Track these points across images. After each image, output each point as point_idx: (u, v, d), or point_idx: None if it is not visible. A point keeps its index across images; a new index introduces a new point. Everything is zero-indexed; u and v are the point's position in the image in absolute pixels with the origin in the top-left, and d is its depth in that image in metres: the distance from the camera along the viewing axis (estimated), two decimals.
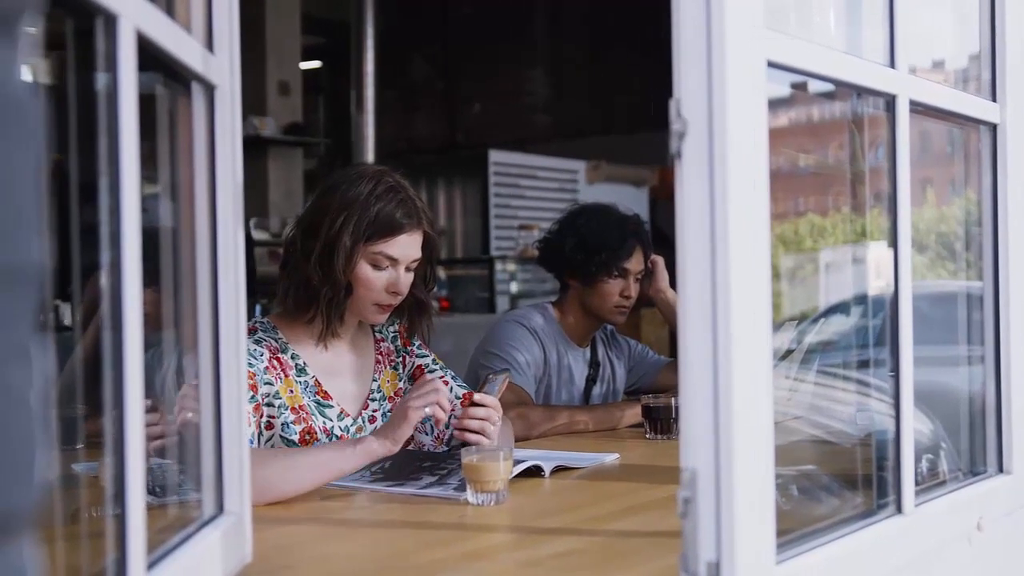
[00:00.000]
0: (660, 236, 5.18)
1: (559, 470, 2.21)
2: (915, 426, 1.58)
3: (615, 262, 3.01)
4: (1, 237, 0.55)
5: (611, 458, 2.38)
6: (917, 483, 1.57)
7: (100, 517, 1.47)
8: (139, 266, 1.04)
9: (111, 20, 1.01)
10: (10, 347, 0.56)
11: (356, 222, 2.18)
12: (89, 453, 1.39)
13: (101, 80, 1.04)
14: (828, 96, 1.75)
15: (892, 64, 1.54)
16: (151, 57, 1.14)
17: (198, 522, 1.34)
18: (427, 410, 2.00)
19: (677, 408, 2.67)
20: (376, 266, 2.22)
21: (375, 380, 2.37)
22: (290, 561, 1.60)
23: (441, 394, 2.03)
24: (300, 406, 2.21)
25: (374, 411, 2.34)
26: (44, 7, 0.62)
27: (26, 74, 0.58)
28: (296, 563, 1.61)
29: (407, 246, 2.24)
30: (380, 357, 2.41)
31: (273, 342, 2.23)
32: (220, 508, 1.39)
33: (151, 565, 1.12)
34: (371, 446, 1.99)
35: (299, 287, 2.23)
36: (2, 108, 0.55)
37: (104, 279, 1.04)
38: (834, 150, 2.10)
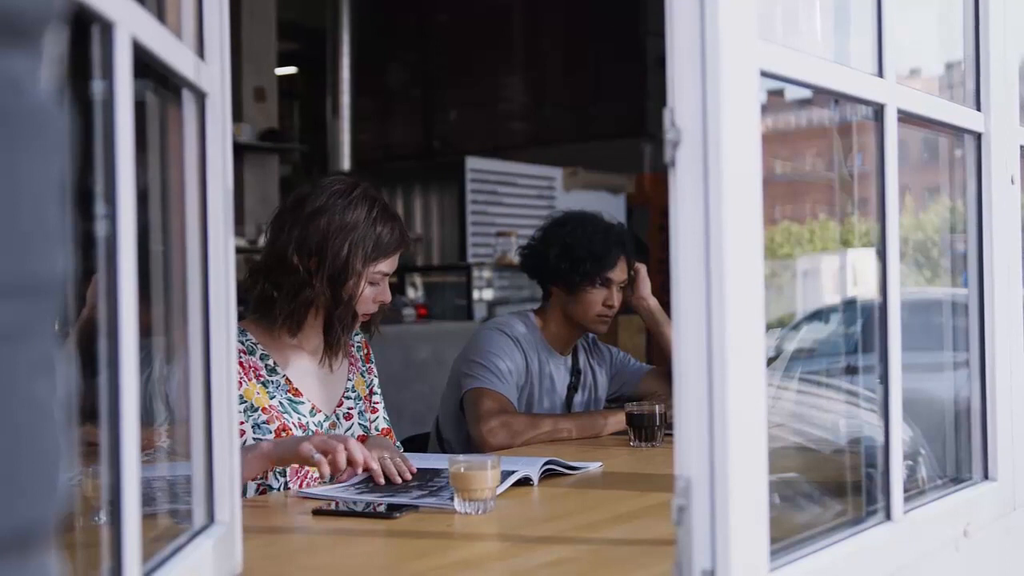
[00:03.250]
0: (638, 243, 5.19)
1: (547, 476, 2.21)
2: None
3: (599, 272, 3.01)
4: (28, 248, 0.55)
5: (595, 466, 2.38)
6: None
7: (87, 527, 1.46)
8: (134, 274, 1.03)
9: (107, 27, 1.00)
10: (35, 358, 0.56)
11: (363, 247, 2.29)
12: (76, 463, 1.38)
13: (96, 87, 1.03)
14: (804, 103, 1.76)
15: (880, 73, 1.54)
16: (143, 64, 1.13)
17: (189, 532, 1.33)
18: (316, 456, 1.99)
19: (661, 415, 2.69)
20: (373, 283, 2.34)
21: (350, 380, 2.47)
22: (280, 571, 1.60)
23: (339, 454, 2.00)
24: (270, 406, 2.27)
25: (349, 408, 2.44)
26: (65, 18, 0.62)
27: (49, 84, 0.58)
28: (285, 573, 1.60)
29: (396, 261, 2.39)
30: (352, 360, 2.50)
31: (239, 344, 2.25)
32: (211, 518, 1.38)
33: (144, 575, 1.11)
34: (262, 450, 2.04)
35: (303, 308, 2.30)
36: (28, 119, 0.55)
37: (99, 286, 1.03)
38: (811, 157, 2.11)
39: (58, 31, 0.60)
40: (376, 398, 2.55)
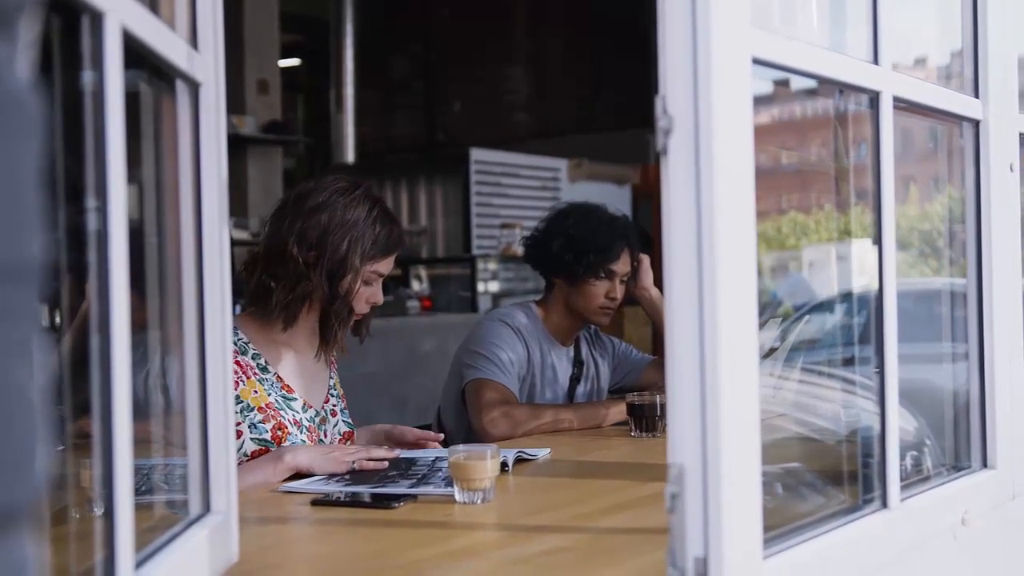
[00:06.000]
0: (641, 234, 5.19)
1: (544, 465, 2.23)
2: (899, 423, 1.59)
3: (602, 264, 3.01)
4: (4, 233, 0.55)
5: (543, 453, 2.41)
6: (902, 479, 1.58)
7: (83, 518, 1.46)
8: (126, 266, 1.04)
9: (97, 17, 1.00)
10: (13, 342, 0.56)
11: (362, 245, 2.31)
12: (73, 454, 1.39)
13: (86, 77, 1.03)
14: (811, 93, 1.76)
15: (876, 60, 1.54)
16: (135, 54, 1.13)
17: (185, 521, 1.34)
18: (355, 466, 2.16)
19: (662, 406, 2.69)
20: (366, 283, 2.36)
21: (332, 378, 2.51)
22: (276, 560, 1.60)
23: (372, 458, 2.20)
24: (267, 404, 2.30)
25: (333, 406, 2.49)
26: (42, 5, 0.62)
27: (24, 71, 0.58)
28: (282, 562, 1.60)
29: (392, 263, 2.41)
30: (334, 359, 2.54)
31: (232, 338, 2.26)
32: (207, 507, 1.38)
33: (139, 564, 1.11)
34: (297, 459, 2.14)
35: (299, 301, 2.32)
36: (4, 105, 0.55)
37: (90, 280, 1.03)
38: (816, 147, 2.10)
39: (34, 18, 0.60)
40: (334, 402, 2.59)
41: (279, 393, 2.33)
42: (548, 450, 2.44)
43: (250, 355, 2.33)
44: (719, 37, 1.17)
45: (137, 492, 1.14)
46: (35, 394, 0.58)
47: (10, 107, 0.55)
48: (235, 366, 2.25)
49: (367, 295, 2.37)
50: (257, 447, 2.25)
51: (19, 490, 0.56)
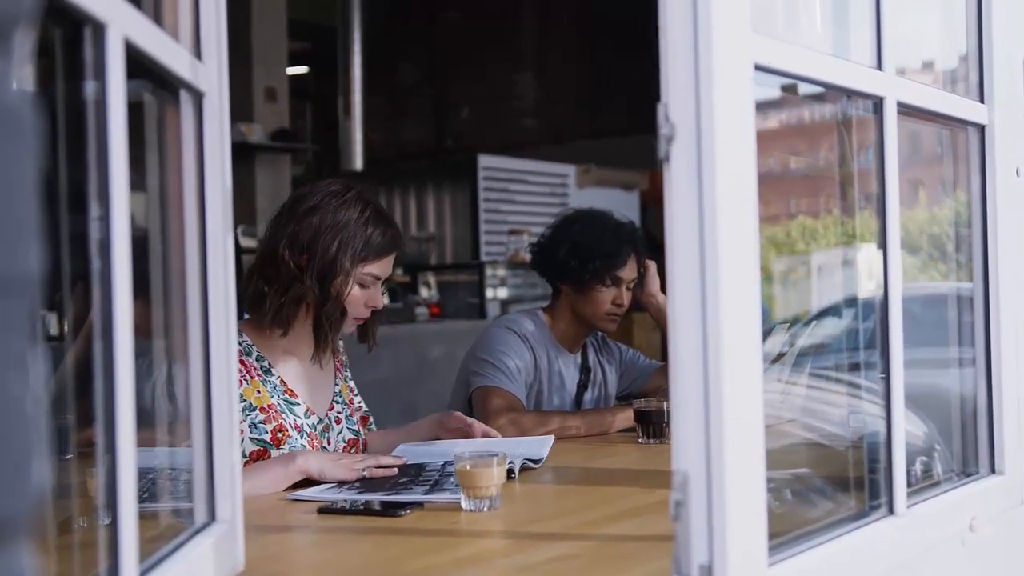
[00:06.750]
0: (650, 240, 5.18)
1: (524, 469, 2.25)
2: (908, 428, 1.58)
3: (609, 270, 3.01)
4: (0, 246, 0.55)
5: (548, 441, 2.44)
6: (910, 485, 1.57)
7: (89, 527, 1.47)
8: (129, 275, 1.04)
9: (100, 28, 1.01)
10: (8, 355, 0.56)
11: (353, 246, 2.31)
12: (79, 463, 1.39)
13: (89, 88, 1.04)
14: (818, 98, 1.75)
15: (879, 66, 1.54)
16: (139, 65, 1.13)
17: (190, 530, 1.34)
18: (365, 473, 2.16)
19: (669, 412, 2.68)
20: (362, 285, 2.35)
21: (337, 385, 2.51)
22: (282, 569, 1.60)
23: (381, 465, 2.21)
24: (269, 405, 2.31)
25: (338, 413, 2.48)
26: (38, 17, 0.63)
27: (22, 83, 0.58)
28: (288, 571, 1.60)
29: (390, 265, 2.40)
30: (339, 366, 2.54)
31: (237, 346, 2.27)
32: (212, 516, 1.39)
33: (143, 573, 1.11)
34: (308, 463, 2.13)
35: (292, 304, 2.32)
36: (1, 118, 0.55)
37: (94, 289, 1.03)
38: (825, 152, 2.10)
39: (30, 31, 0.61)
40: (356, 398, 2.59)
41: (282, 396, 2.33)
42: (551, 438, 2.47)
43: (254, 357, 2.33)
44: (720, 43, 1.17)
45: (141, 499, 1.14)
46: (31, 406, 0.58)
47: (6, 120, 0.55)
48: (239, 365, 2.26)
49: (365, 298, 2.36)
50: (256, 447, 2.25)
51: (15, 501, 0.56)
